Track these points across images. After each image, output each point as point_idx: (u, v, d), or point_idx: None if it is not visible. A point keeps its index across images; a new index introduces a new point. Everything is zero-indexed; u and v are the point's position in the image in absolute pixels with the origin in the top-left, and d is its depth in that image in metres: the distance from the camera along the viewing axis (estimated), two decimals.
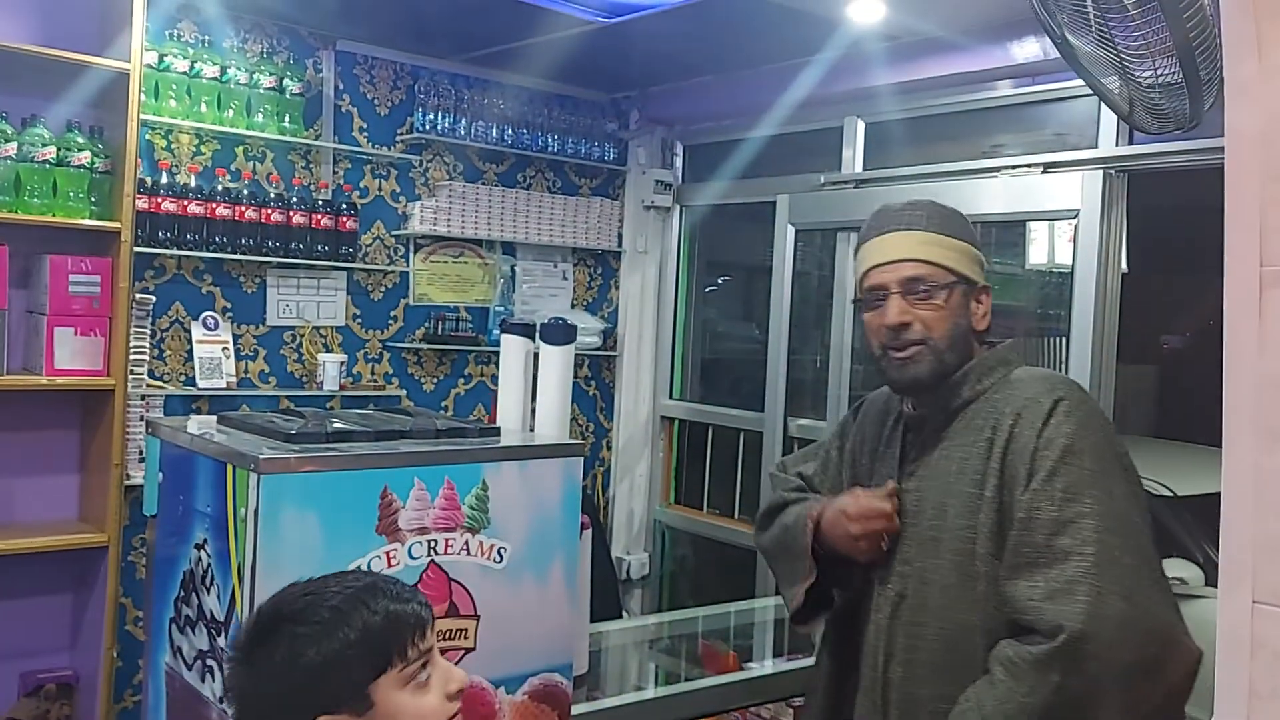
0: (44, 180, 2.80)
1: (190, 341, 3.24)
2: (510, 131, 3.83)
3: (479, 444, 1.85)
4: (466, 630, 1.80)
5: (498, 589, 1.80)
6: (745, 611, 3.28)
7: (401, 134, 3.66)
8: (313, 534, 1.61)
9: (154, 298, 3.14)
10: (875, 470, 1.67)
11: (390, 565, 1.69)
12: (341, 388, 3.47)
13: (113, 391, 2.91)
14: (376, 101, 3.62)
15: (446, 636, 1.76)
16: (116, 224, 2.90)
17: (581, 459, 1.94)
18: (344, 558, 1.63)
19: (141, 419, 3.11)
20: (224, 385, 3.25)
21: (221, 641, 1.69)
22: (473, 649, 1.78)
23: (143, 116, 2.96)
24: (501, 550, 1.81)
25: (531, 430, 2.15)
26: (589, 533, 2.12)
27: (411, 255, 3.73)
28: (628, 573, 4.17)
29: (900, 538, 1.55)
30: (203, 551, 1.78)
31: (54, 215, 2.82)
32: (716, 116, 3.97)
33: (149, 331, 3.12)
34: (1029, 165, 2.99)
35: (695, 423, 4.18)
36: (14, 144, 2.75)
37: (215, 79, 3.16)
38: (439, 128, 3.65)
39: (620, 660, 2.75)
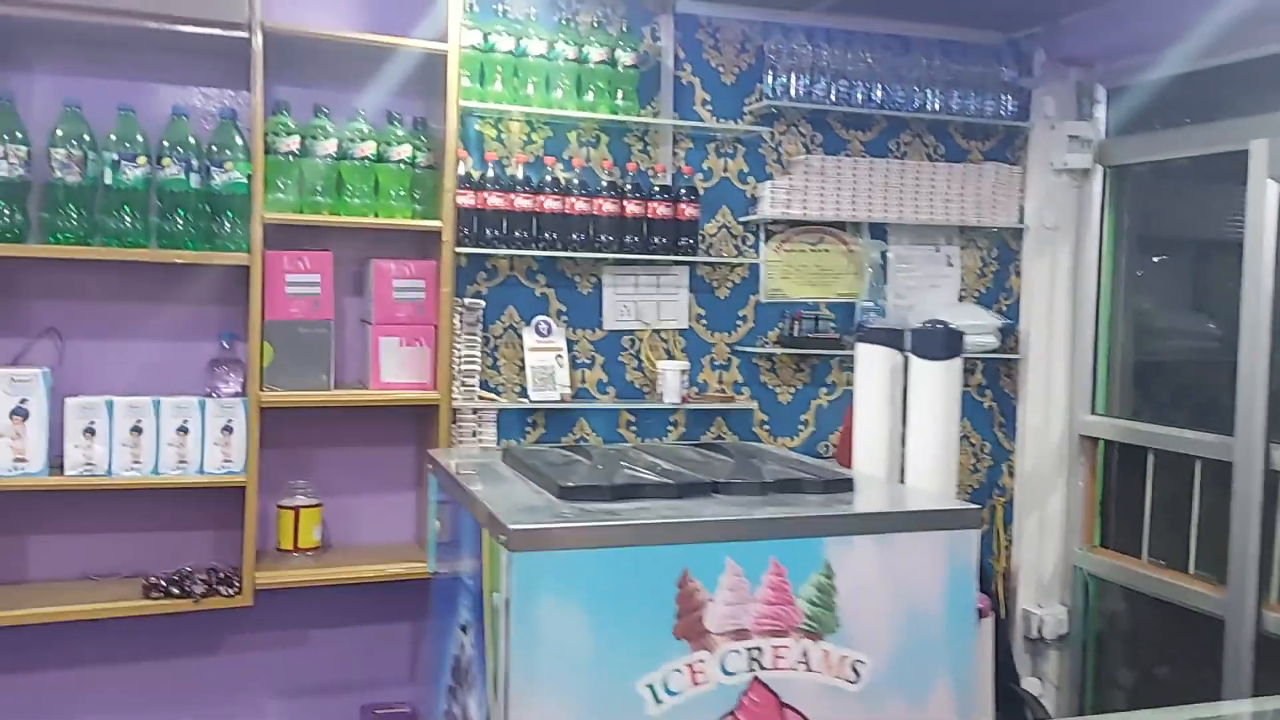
0: (365, 178, 2.60)
1: (523, 349, 2.94)
2: (880, 90, 3.16)
3: (821, 508, 1.25)
4: None
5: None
6: None
7: (750, 103, 3.14)
8: (581, 636, 1.10)
9: (484, 302, 2.87)
10: None
11: (696, 684, 1.14)
12: (684, 399, 3.02)
13: (438, 406, 2.68)
14: (721, 69, 3.13)
15: None
16: (438, 223, 2.66)
17: (977, 531, 1.29)
18: (627, 670, 1.11)
19: (474, 435, 2.85)
20: (558, 398, 2.91)
21: None
22: None
23: (465, 104, 2.69)
24: (857, 665, 1.21)
25: (901, 482, 1.51)
26: (989, 621, 1.47)
27: (762, 244, 3.19)
28: (1039, 631, 3.33)
29: None
30: (466, 637, 1.36)
31: (375, 216, 2.62)
32: (1151, 46, 3.02)
33: (480, 339, 2.86)
34: None
35: (1128, 445, 3.24)
36: (334, 140, 2.57)
37: (542, 56, 2.82)
38: (793, 92, 3.07)
39: None
